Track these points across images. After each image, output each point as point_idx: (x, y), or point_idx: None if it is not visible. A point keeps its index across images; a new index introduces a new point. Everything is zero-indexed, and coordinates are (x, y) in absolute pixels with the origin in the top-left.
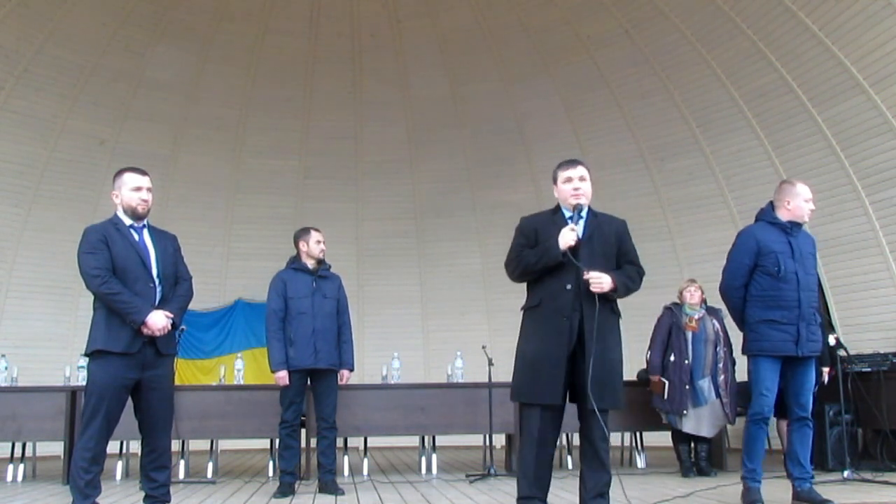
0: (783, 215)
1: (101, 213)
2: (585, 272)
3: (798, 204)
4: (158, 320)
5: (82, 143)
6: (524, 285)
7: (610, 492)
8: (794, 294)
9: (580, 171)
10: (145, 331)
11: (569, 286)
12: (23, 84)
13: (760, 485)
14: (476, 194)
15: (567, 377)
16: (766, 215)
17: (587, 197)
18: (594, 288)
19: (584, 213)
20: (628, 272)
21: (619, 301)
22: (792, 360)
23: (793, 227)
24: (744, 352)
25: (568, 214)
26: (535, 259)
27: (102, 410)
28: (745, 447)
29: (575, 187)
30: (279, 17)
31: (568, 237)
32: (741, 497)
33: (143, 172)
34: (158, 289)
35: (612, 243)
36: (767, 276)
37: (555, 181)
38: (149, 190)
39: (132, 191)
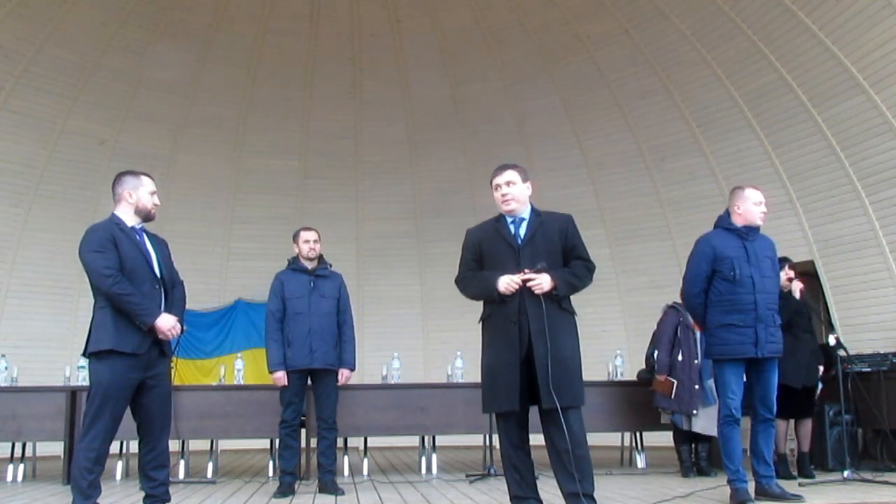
0: (737, 220)
1: (101, 213)
2: (523, 274)
3: (748, 208)
4: (168, 322)
5: (82, 143)
6: None
7: (597, 493)
8: (749, 297)
9: (507, 176)
10: (160, 335)
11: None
12: (23, 84)
13: (747, 484)
14: (476, 194)
15: (524, 381)
16: (723, 222)
17: (517, 201)
18: (535, 290)
19: (525, 215)
20: (573, 268)
21: (620, 301)
22: (755, 363)
23: (748, 232)
24: (707, 356)
25: (510, 219)
26: (478, 291)
27: (108, 410)
28: (723, 450)
29: (503, 194)
30: (279, 17)
31: (511, 287)
32: (730, 499)
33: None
34: (162, 291)
35: (555, 241)
36: (724, 281)
37: (492, 189)
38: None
39: (150, 194)
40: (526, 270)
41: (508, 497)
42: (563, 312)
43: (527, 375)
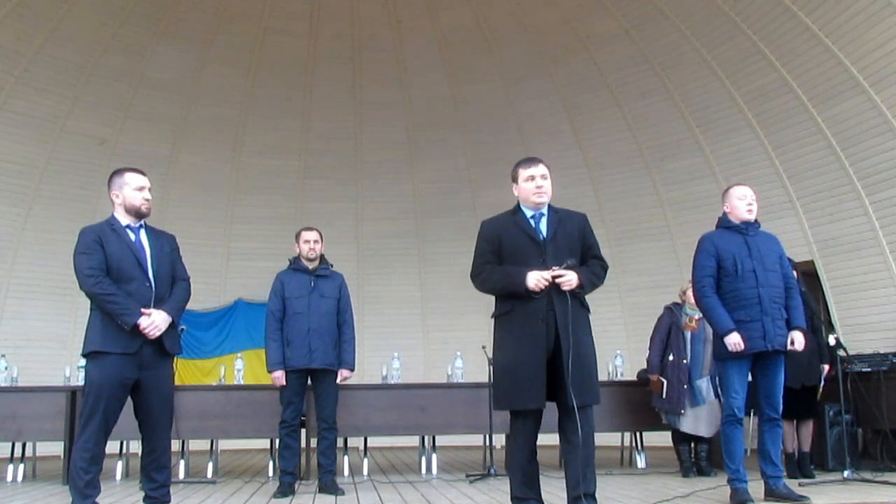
0: (732, 218)
1: (101, 213)
2: (553, 270)
3: (733, 204)
4: (146, 320)
5: (82, 143)
6: None
7: (597, 493)
8: (752, 291)
9: (542, 168)
10: (151, 333)
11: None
12: (23, 84)
13: (747, 484)
14: (476, 194)
15: (546, 379)
16: (723, 221)
17: (548, 195)
18: (564, 286)
19: (544, 211)
20: (593, 267)
21: (620, 301)
22: (762, 359)
23: (748, 227)
24: (715, 357)
25: (529, 214)
26: (501, 285)
27: (100, 410)
28: (724, 449)
29: (538, 185)
30: (279, 17)
31: (541, 283)
32: (730, 499)
33: (143, 172)
34: (153, 289)
35: (576, 238)
36: (727, 277)
37: (515, 180)
38: (150, 189)
39: (135, 190)
40: (554, 267)
41: (510, 496)
42: (583, 310)
43: (548, 373)
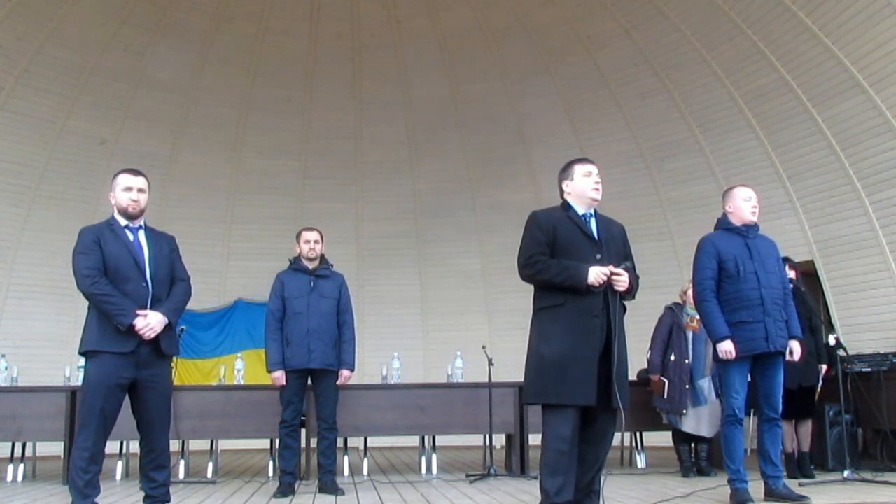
0: (733, 220)
1: (101, 213)
2: (612, 268)
3: (737, 205)
4: (141, 321)
5: (82, 143)
6: (526, 284)
7: (603, 491)
8: (755, 293)
9: (596, 168)
10: (147, 334)
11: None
12: (23, 84)
13: (747, 484)
14: (476, 194)
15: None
16: (723, 223)
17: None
18: (618, 286)
19: (592, 212)
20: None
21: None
22: (761, 360)
23: (749, 230)
24: (716, 359)
25: (581, 212)
26: (561, 278)
27: (98, 410)
28: (725, 449)
29: (596, 181)
30: (279, 17)
31: (600, 279)
32: (730, 499)
33: (137, 173)
34: (150, 289)
35: (620, 245)
36: (728, 279)
37: (569, 177)
38: (140, 190)
39: (123, 191)
40: (611, 266)
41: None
42: (623, 312)
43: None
